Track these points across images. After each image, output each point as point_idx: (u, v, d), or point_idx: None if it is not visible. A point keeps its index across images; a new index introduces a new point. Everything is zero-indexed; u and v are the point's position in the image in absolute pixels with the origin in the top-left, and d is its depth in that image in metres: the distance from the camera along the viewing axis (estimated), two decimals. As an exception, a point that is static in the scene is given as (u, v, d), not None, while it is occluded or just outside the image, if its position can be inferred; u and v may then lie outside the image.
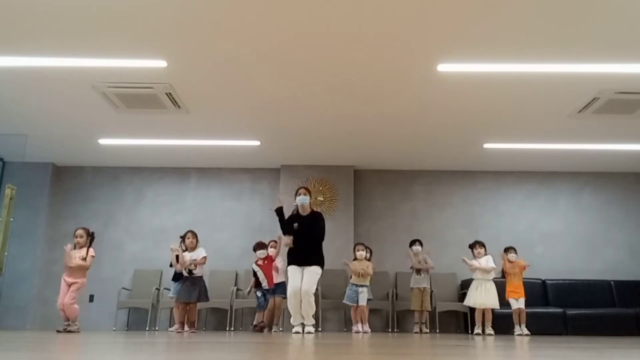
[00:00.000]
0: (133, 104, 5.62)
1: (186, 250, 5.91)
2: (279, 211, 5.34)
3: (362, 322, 6.20)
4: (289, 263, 5.27)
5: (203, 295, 5.79)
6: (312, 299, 5.14)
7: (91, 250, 5.48)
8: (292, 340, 3.64)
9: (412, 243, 6.72)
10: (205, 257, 5.77)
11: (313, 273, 5.18)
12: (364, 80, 5.10)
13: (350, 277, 6.39)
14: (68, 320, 5.31)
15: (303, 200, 5.29)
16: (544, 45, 4.37)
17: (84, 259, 5.39)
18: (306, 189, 5.46)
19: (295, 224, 5.26)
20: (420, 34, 4.24)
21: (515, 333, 5.93)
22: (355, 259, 6.32)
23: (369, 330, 6.26)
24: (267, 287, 6.24)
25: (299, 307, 5.15)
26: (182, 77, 5.05)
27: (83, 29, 4.18)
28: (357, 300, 6.17)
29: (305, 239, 5.22)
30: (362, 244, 6.42)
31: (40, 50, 4.53)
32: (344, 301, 6.31)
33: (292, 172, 7.66)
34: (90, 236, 5.53)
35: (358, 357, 2.08)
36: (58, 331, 5.28)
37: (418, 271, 6.58)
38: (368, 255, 6.35)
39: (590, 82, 5.05)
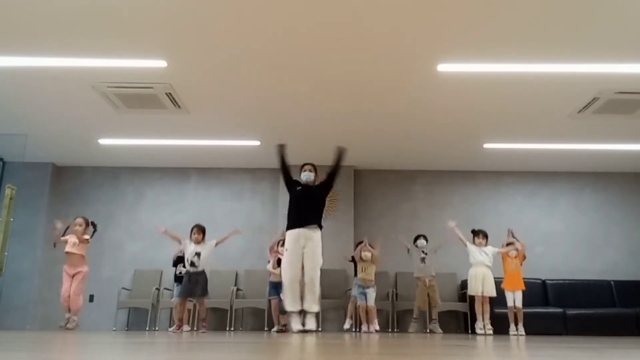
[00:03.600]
0: (133, 104, 5.62)
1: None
2: (282, 149, 5.04)
3: (368, 322, 6.21)
4: (288, 227, 4.91)
5: (205, 291, 5.81)
6: (317, 282, 4.74)
7: (86, 235, 5.61)
8: (292, 340, 3.65)
9: (417, 238, 6.67)
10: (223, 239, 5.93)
11: (315, 255, 4.78)
12: (364, 82, 5.10)
13: (355, 275, 6.42)
14: (70, 312, 5.37)
15: (308, 177, 5.03)
16: (544, 45, 4.38)
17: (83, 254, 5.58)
18: (312, 165, 5.11)
19: (299, 187, 5.02)
20: (420, 34, 4.24)
21: (511, 333, 5.92)
22: (361, 259, 6.33)
23: (378, 328, 6.26)
24: None
25: (297, 293, 4.72)
26: (182, 77, 5.05)
27: (83, 29, 4.18)
28: (365, 300, 6.19)
29: (308, 200, 4.94)
30: (369, 245, 6.41)
31: (40, 50, 4.53)
32: (353, 293, 6.38)
33: (292, 172, 7.62)
34: (90, 225, 5.69)
35: (357, 357, 2.07)
36: (61, 327, 5.34)
37: (422, 259, 6.54)
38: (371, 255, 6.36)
39: (590, 82, 5.05)
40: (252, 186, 7.88)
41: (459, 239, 6.12)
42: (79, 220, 5.65)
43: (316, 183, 5.14)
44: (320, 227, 4.96)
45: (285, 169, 5.06)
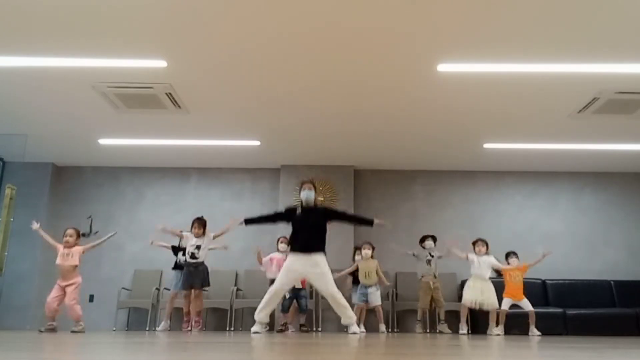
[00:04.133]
0: (133, 104, 5.62)
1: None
2: (250, 222, 5.01)
3: (378, 321, 6.29)
4: (291, 250, 4.80)
5: (206, 281, 5.78)
6: (341, 297, 4.68)
7: (79, 248, 5.39)
8: (291, 340, 3.64)
9: (425, 239, 6.57)
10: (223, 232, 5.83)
11: (324, 276, 4.65)
12: (365, 82, 5.10)
13: (354, 283, 6.42)
14: (53, 320, 5.20)
15: (308, 195, 4.82)
16: (544, 45, 4.37)
17: (76, 264, 5.33)
18: (311, 182, 4.94)
19: (299, 211, 4.81)
20: (420, 34, 4.23)
21: (493, 333, 5.84)
22: (361, 257, 6.31)
23: (384, 330, 6.29)
24: (299, 287, 6.01)
25: (271, 308, 4.82)
26: (182, 77, 5.05)
27: (83, 29, 4.18)
28: (367, 300, 6.19)
29: (309, 226, 4.75)
30: (368, 243, 6.38)
31: (40, 50, 4.53)
32: (354, 302, 6.30)
33: (292, 172, 7.65)
34: (81, 236, 5.57)
35: (357, 357, 2.07)
36: (41, 331, 5.16)
37: (428, 262, 6.47)
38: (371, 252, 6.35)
39: (590, 82, 5.05)
40: (252, 186, 7.88)
41: (458, 255, 6.08)
42: (70, 231, 5.39)
43: (317, 203, 5.00)
44: (325, 252, 4.80)
45: (269, 219, 5.12)
